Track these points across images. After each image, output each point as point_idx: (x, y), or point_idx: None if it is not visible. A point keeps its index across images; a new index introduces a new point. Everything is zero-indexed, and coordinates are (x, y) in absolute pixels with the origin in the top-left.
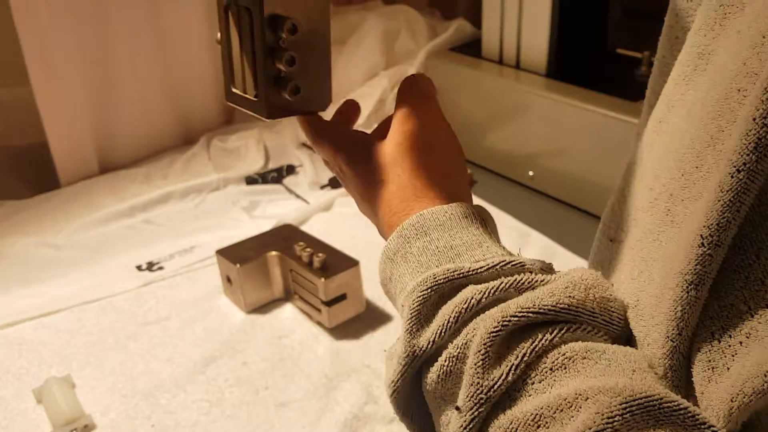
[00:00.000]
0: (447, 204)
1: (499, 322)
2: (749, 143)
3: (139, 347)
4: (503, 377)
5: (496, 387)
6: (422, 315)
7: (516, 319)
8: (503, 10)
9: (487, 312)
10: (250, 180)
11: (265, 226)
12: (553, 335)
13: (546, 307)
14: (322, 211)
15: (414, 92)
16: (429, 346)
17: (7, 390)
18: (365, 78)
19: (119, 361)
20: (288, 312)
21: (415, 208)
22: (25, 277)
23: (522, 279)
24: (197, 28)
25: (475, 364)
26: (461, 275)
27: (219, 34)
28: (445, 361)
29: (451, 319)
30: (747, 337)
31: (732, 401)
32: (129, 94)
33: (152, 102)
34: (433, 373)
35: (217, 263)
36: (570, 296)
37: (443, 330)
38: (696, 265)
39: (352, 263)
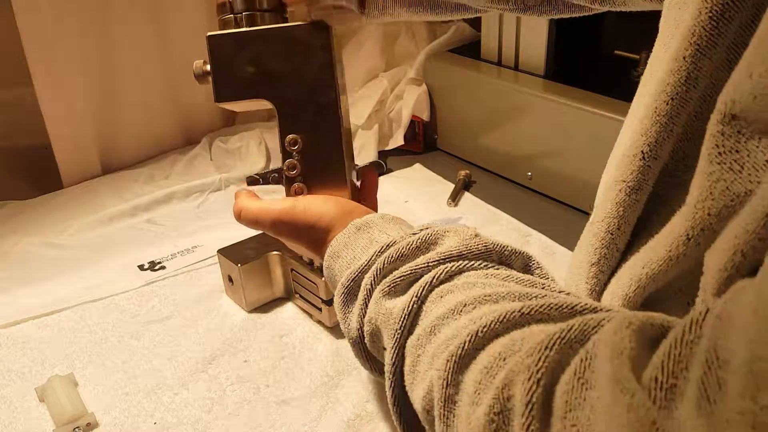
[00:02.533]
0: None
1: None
2: (681, 77)
3: (141, 346)
4: (405, 311)
5: (402, 320)
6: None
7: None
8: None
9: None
10: (252, 180)
11: None
12: (436, 274)
13: (431, 262)
14: None
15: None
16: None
17: (10, 388)
18: (365, 79)
19: (122, 360)
20: (289, 311)
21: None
22: (28, 277)
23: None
24: (199, 30)
25: (387, 310)
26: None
27: None
28: (367, 325)
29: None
30: (651, 236)
31: (629, 286)
32: (131, 96)
33: (154, 103)
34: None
35: (219, 263)
36: (451, 247)
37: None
38: (638, 174)
39: None
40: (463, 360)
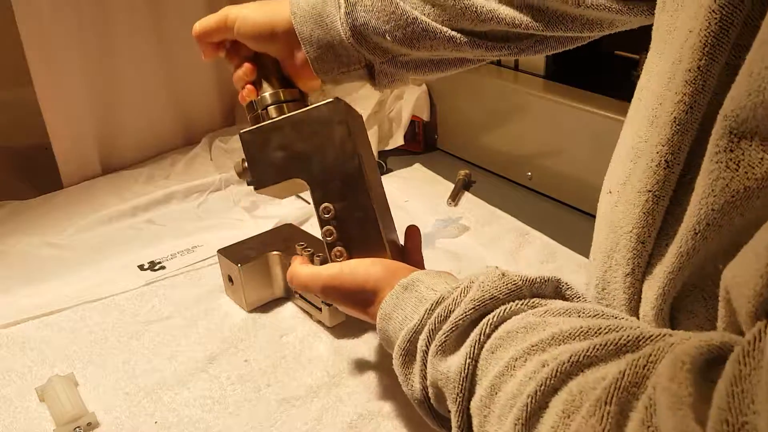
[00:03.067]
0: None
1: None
2: (697, 87)
3: (141, 346)
4: (462, 375)
5: (461, 383)
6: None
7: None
8: None
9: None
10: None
11: (266, 225)
12: (482, 329)
13: (467, 313)
14: None
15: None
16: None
17: (10, 388)
18: None
19: (122, 360)
20: (289, 311)
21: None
22: (28, 277)
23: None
24: None
25: (444, 373)
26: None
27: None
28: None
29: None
30: (670, 238)
31: (657, 290)
32: (131, 95)
33: (154, 103)
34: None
35: (219, 263)
36: (481, 292)
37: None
38: (663, 182)
39: None
40: (530, 422)
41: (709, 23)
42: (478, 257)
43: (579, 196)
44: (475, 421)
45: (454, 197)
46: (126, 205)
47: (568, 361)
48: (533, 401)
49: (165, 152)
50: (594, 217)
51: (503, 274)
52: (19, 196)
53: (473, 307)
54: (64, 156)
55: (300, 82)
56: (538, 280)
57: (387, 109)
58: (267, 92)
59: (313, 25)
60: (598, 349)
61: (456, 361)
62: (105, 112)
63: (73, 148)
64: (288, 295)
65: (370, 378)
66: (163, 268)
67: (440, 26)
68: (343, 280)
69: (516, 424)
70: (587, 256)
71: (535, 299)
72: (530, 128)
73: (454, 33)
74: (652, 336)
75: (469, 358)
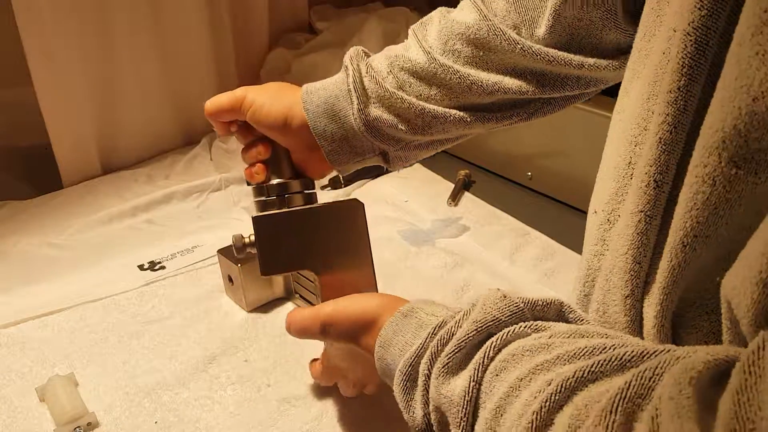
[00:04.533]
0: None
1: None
2: (679, 107)
3: (141, 345)
4: (466, 398)
5: (465, 407)
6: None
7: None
8: None
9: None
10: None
11: None
12: (485, 351)
13: (470, 334)
14: None
15: None
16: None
17: (11, 388)
18: None
19: (122, 360)
20: (289, 311)
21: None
22: (28, 277)
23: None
24: (199, 29)
25: (447, 397)
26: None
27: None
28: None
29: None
30: (660, 254)
31: (655, 307)
32: (131, 95)
33: (154, 103)
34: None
35: (219, 263)
36: (484, 314)
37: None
38: (654, 202)
39: None
40: None
41: (685, 45)
42: (478, 257)
43: (579, 196)
44: None
45: (454, 197)
46: (126, 205)
47: (573, 376)
48: (538, 418)
49: (165, 152)
50: None
51: (504, 296)
52: (19, 196)
53: (476, 329)
54: (64, 156)
55: (310, 170)
56: (540, 303)
57: None
58: (279, 179)
59: (327, 120)
60: (602, 365)
61: (460, 384)
62: (105, 112)
63: (73, 148)
64: (288, 295)
65: None
66: (163, 268)
67: (449, 110)
68: (339, 314)
69: None
70: None
71: (538, 322)
72: (530, 128)
73: (463, 113)
74: (656, 350)
75: (473, 380)
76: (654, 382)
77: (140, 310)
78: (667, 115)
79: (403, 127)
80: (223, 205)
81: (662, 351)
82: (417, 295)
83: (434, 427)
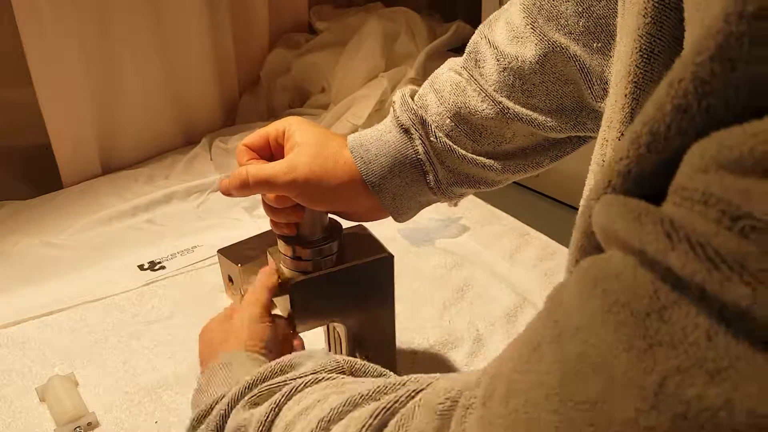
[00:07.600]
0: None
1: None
2: (626, 113)
3: (141, 345)
4: (263, 418)
5: (261, 425)
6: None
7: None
8: None
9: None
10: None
11: (266, 225)
12: (295, 385)
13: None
14: None
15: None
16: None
17: (11, 388)
18: (365, 79)
19: (122, 360)
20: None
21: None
22: (29, 277)
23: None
24: (199, 30)
25: (246, 419)
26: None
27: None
28: None
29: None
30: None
31: None
32: (131, 95)
33: (154, 103)
34: None
35: (219, 263)
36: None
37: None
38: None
39: None
40: None
41: (632, 51)
42: (478, 257)
43: (579, 196)
44: None
45: None
46: (126, 205)
47: (359, 393)
48: (320, 426)
49: (165, 152)
50: None
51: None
52: (20, 196)
53: (295, 377)
54: (64, 156)
55: (360, 219)
56: (359, 363)
57: (387, 109)
58: (310, 238)
59: (402, 199)
60: (362, 397)
61: (260, 409)
62: (105, 112)
63: (73, 148)
64: None
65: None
66: (163, 268)
67: (501, 175)
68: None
69: None
70: None
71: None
72: None
73: (510, 175)
74: (396, 384)
75: (275, 404)
76: (403, 405)
77: (140, 310)
78: (617, 121)
79: (466, 187)
80: (223, 205)
81: (402, 383)
82: (417, 294)
83: None
